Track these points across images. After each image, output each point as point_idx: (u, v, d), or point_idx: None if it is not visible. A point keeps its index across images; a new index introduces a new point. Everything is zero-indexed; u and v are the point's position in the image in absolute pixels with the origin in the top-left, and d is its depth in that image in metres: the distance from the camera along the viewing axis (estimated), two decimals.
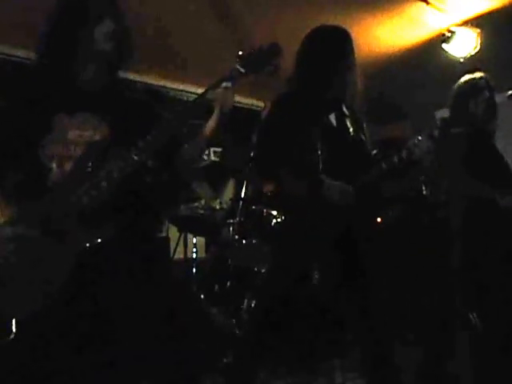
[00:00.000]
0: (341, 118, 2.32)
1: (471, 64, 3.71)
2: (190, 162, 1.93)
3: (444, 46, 4.10)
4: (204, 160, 4.65)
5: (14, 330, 1.51)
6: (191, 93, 4.83)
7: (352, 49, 2.29)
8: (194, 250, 3.77)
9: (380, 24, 3.98)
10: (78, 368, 1.60)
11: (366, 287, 2.22)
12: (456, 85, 2.83)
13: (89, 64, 1.74)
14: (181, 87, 4.86)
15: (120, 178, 1.62)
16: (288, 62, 2.34)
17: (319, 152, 2.14)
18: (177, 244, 3.86)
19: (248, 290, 3.17)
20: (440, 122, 2.31)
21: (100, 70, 1.76)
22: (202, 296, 3.27)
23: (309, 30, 2.36)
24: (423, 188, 2.73)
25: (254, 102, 5.60)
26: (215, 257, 3.62)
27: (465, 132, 2.29)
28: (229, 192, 4.75)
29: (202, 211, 3.68)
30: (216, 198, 4.13)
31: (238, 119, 5.30)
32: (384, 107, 4.03)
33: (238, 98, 5.38)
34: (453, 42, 4.05)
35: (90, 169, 1.64)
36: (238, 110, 5.65)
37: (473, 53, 4.03)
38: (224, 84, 1.72)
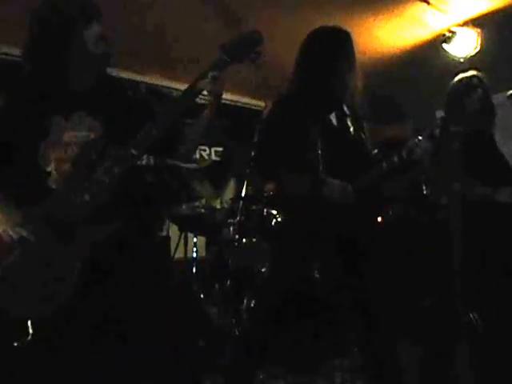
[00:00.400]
0: (341, 117, 2.33)
1: (472, 64, 3.72)
2: (190, 147, 1.95)
3: (444, 46, 4.10)
4: (206, 160, 4.66)
5: (30, 331, 1.53)
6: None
7: (352, 49, 2.30)
8: (195, 249, 3.77)
9: (381, 24, 3.98)
10: (80, 366, 1.61)
11: (366, 287, 2.22)
12: (450, 84, 2.83)
13: (79, 66, 1.75)
14: (183, 87, 4.85)
15: (120, 173, 1.64)
16: (288, 62, 2.35)
17: (319, 151, 2.15)
18: (177, 243, 3.86)
19: (248, 290, 3.17)
20: (440, 121, 2.31)
21: (90, 70, 1.78)
22: (202, 295, 3.27)
23: (309, 31, 2.36)
24: (423, 188, 2.73)
25: (255, 101, 5.60)
26: (215, 256, 3.62)
27: (464, 131, 2.29)
28: (229, 191, 4.75)
29: (202, 210, 3.68)
30: (217, 198, 4.13)
31: (238, 119, 5.33)
32: (385, 107, 4.03)
33: (238, 98, 5.42)
34: (453, 42, 4.05)
35: (89, 166, 1.65)
36: (238, 110, 5.69)
37: (473, 53, 4.03)
38: (211, 74, 1.72)
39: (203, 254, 4.04)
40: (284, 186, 2.35)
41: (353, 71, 2.28)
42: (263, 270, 3.16)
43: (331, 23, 2.37)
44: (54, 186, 1.67)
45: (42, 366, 1.60)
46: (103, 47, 1.74)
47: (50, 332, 1.58)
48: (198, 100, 1.77)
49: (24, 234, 1.59)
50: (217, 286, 3.33)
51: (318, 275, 2.50)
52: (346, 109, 2.35)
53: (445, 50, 4.11)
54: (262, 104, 5.61)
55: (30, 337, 1.53)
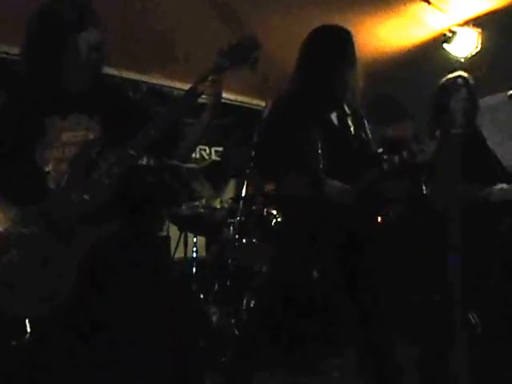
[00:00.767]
0: (342, 117, 2.32)
1: (472, 64, 3.72)
2: (189, 148, 1.96)
3: (445, 45, 4.09)
4: (206, 159, 4.66)
5: (28, 329, 1.53)
6: None
7: (353, 48, 2.29)
8: (195, 249, 3.76)
9: (381, 24, 3.97)
10: (79, 365, 1.61)
11: (365, 287, 2.22)
12: (438, 85, 2.83)
13: (73, 69, 1.75)
14: (185, 86, 4.85)
15: (119, 174, 1.65)
16: (288, 61, 2.35)
17: (320, 151, 2.14)
18: (177, 243, 3.86)
19: (248, 290, 3.17)
20: (442, 122, 2.31)
21: (84, 73, 1.78)
22: (202, 295, 3.27)
23: (309, 30, 2.36)
24: (423, 188, 2.73)
25: (255, 101, 5.60)
26: (215, 256, 3.62)
27: (464, 133, 2.28)
28: (229, 191, 4.74)
29: (202, 210, 3.68)
30: (216, 198, 4.12)
31: (238, 118, 5.32)
32: (385, 107, 4.02)
33: (238, 98, 5.41)
34: (454, 41, 4.05)
35: (88, 166, 1.65)
36: (238, 109, 5.68)
37: (474, 53, 4.03)
38: (210, 77, 1.76)
39: (203, 253, 4.04)
40: (284, 186, 2.35)
41: (354, 70, 2.27)
42: (263, 270, 3.16)
43: (331, 22, 2.36)
44: (52, 186, 1.67)
45: (40, 365, 1.60)
46: (96, 55, 1.75)
47: (48, 331, 1.58)
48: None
49: (23, 233, 1.59)
50: (216, 285, 3.33)
51: (317, 275, 2.50)
52: (346, 108, 2.34)
53: (445, 50, 4.10)
54: (262, 103, 5.60)
55: (27, 335, 1.53)
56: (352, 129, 2.32)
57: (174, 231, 3.94)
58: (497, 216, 2.64)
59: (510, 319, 2.51)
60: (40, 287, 1.58)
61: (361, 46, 2.34)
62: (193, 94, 1.76)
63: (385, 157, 2.23)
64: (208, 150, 5.29)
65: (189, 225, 3.70)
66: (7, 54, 3.93)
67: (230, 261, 3.33)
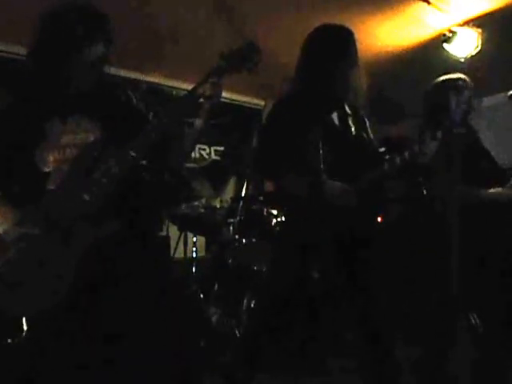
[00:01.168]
0: (343, 117, 2.32)
1: (472, 64, 3.72)
2: (181, 154, 1.96)
3: (445, 45, 4.09)
4: (205, 159, 4.65)
5: (25, 328, 1.54)
6: None
7: (355, 48, 2.28)
8: (194, 249, 3.76)
9: (381, 24, 3.98)
10: (77, 366, 1.61)
11: (366, 287, 2.22)
12: (433, 85, 2.82)
13: (77, 75, 1.76)
14: (184, 86, 4.86)
15: (119, 175, 1.65)
16: (288, 60, 2.34)
17: (321, 152, 2.14)
18: (177, 243, 3.86)
19: (248, 290, 3.17)
20: (442, 123, 2.31)
21: (88, 77, 1.78)
22: (202, 295, 3.26)
23: (309, 30, 2.35)
24: (423, 189, 2.73)
25: (255, 100, 5.60)
26: (215, 256, 3.61)
27: (467, 133, 2.29)
28: (229, 191, 4.74)
29: (202, 210, 3.68)
30: (216, 197, 4.12)
31: (238, 118, 5.32)
32: (386, 107, 4.02)
33: (238, 97, 5.41)
34: (454, 42, 4.04)
35: (87, 168, 1.66)
36: (238, 109, 5.69)
37: (474, 53, 4.03)
38: (210, 80, 1.77)
39: (203, 253, 4.04)
40: (284, 186, 2.35)
41: (356, 70, 2.26)
42: (263, 269, 3.16)
43: (332, 22, 2.36)
44: (52, 188, 1.67)
45: (36, 365, 1.60)
46: (100, 66, 1.77)
47: (45, 331, 1.58)
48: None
49: (22, 233, 1.59)
50: (216, 286, 3.32)
51: (317, 275, 2.50)
52: (347, 108, 2.34)
53: (445, 50, 4.10)
54: (262, 103, 5.61)
55: (23, 334, 1.53)
56: (353, 129, 2.31)
57: (173, 231, 3.94)
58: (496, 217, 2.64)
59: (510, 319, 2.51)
60: (38, 287, 1.57)
61: (361, 45, 2.33)
62: (193, 96, 1.77)
63: (386, 157, 2.23)
64: (208, 150, 5.29)
65: (188, 225, 3.69)
66: (6, 52, 3.94)
67: (229, 261, 3.33)
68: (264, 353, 2.33)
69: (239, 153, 4.28)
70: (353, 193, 2.17)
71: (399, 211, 3.14)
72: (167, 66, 4.58)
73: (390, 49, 4.36)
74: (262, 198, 3.66)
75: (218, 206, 3.84)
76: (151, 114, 1.90)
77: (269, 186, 3.77)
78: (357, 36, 2.32)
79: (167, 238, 3.97)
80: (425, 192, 2.66)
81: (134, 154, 1.66)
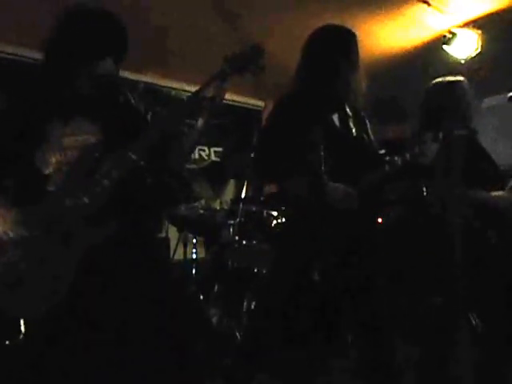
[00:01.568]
0: (344, 118, 2.31)
1: (472, 65, 3.72)
2: (181, 155, 1.95)
3: (445, 47, 4.09)
4: (205, 160, 4.65)
5: (22, 330, 1.53)
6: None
7: (357, 49, 2.28)
8: (194, 250, 3.76)
9: (381, 25, 3.97)
10: (78, 368, 1.61)
11: (366, 289, 2.22)
12: (433, 86, 2.81)
13: (85, 83, 1.76)
14: (181, 86, 4.86)
15: (120, 177, 1.65)
16: (288, 62, 2.33)
17: (322, 153, 2.13)
18: (177, 244, 3.85)
19: (248, 291, 3.16)
20: (444, 124, 2.30)
21: (94, 85, 1.78)
22: (202, 297, 3.26)
23: (309, 31, 2.35)
24: (423, 190, 2.73)
25: (255, 101, 5.59)
26: (215, 257, 3.61)
27: (468, 135, 2.29)
28: (229, 192, 4.74)
29: (202, 212, 3.67)
30: (216, 199, 4.12)
31: (237, 119, 5.32)
32: (385, 108, 4.02)
33: (238, 98, 5.41)
34: (454, 43, 4.04)
35: (88, 170, 1.65)
36: (237, 110, 5.69)
37: (474, 54, 4.03)
38: (214, 83, 1.78)
39: (203, 255, 4.03)
40: (285, 187, 2.34)
41: (356, 72, 2.26)
42: (263, 271, 3.16)
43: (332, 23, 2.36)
44: (52, 189, 1.67)
45: (35, 366, 1.59)
46: (109, 79, 1.77)
47: (43, 332, 1.58)
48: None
49: (22, 234, 1.59)
50: (216, 287, 3.32)
51: (318, 277, 2.49)
52: (348, 110, 2.34)
53: (445, 52, 4.10)
54: (262, 104, 5.60)
55: (21, 335, 1.53)
56: (354, 130, 2.31)
57: (173, 232, 3.94)
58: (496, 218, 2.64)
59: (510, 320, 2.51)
60: (38, 288, 1.57)
61: (361, 47, 2.33)
62: (195, 98, 1.77)
63: (387, 158, 2.22)
64: (207, 151, 5.28)
65: (188, 226, 3.69)
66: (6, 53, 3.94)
67: (229, 262, 3.32)
68: (264, 354, 2.33)
69: (239, 154, 4.28)
70: (354, 195, 2.16)
71: (399, 213, 3.13)
72: (165, 66, 4.58)
73: (389, 50, 4.36)
74: (262, 199, 3.65)
75: (218, 208, 3.84)
76: (150, 114, 1.90)
77: (268, 188, 3.76)
78: (357, 37, 2.32)
79: (167, 239, 3.97)
80: (425, 193, 2.65)
81: (134, 156, 1.66)
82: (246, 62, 1.79)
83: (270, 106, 2.46)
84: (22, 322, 1.55)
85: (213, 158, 5.29)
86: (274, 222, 3.36)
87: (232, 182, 4.80)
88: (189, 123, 1.85)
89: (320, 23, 2.35)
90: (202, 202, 3.83)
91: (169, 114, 1.75)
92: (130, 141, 1.67)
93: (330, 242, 2.15)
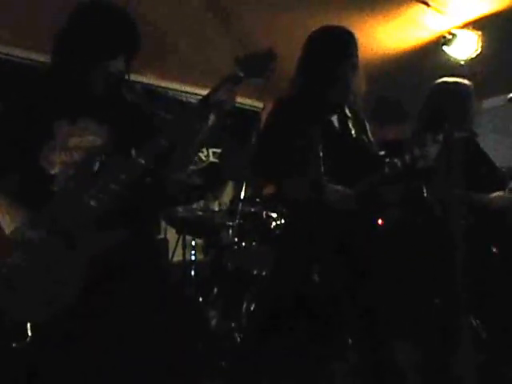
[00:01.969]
0: (343, 120, 2.30)
1: (472, 67, 3.71)
2: (185, 157, 1.94)
3: (445, 48, 4.09)
4: (203, 161, 4.63)
5: (29, 333, 1.52)
6: (190, 93, 4.81)
7: (356, 50, 2.27)
8: (193, 252, 3.74)
9: (380, 26, 3.97)
10: (77, 369, 1.60)
11: (367, 290, 2.21)
12: (435, 87, 2.80)
13: (95, 81, 1.73)
14: (179, 87, 4.85)
15: (127, 181, 1.62)
16: (288, 63, 2.32)
17: (321, 154, 2.12)
18: (175, 246, 3.84)
19: (247, 293, 3.15)
20: (445, 126, 2.30)
21: (104, 84, 1.76)
22: (201, 299, 3.25)
23: (308, 32, 2.34)
24: (423, 191, 2.72)
25: (254, 102, 5.59)
26: (214, 259, 3.60)
27: (468, 137, 2.29)
28: (228, 194, 4.73)
29: (200, 213, 3.66)
30: (215, 200, 4.11)
31: (237, 120, 5.30)
32: (385, 109, 4.02)
33: (237, 99, 5.39)
34: (454, 44, 4.03)
35: (95, 172, 1.64)
36: (237, 111, 5.66)
37: (474, 55, 4.02)
38: (224, 87, 1.73)
39: (202, 256, 4.02)
40: (284, 189, 2.33)
41: (356, 72, 2.25)
42: (263, 273, 3.15)
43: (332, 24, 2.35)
44: (57, 190, 1.65)
45: (40, 369, 1.59)
46: (119, 78, 1.74)
47: (48, 335, 1.56)
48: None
49: (31, 237, 1.57)
50: (216, 289, 3.31)
51: (317, 279, 2.48)
52: (347, 111, 2.33)
53: (445, 53, 4.09)
54: (260, 105, 5.60)
55: (28, 339, 1.52)
56: (353, 132, 2.30)
57: (171, 234, 3.92)
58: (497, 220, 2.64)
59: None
60: (44, 291, 1.56)
61: (360, 47, 2.32)
62: (205, 103, 1.72)
63: (387, 160, 2.22)
64: (205, 152, 5.27)
65: (187, 227, 3.68)
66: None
67: (229, 264, 3.31)
68: (264, 356, 2.32)
69: (237, 155, 4.27)
70: (353, 196, 2.15)
71: (399, 215, 3.13)
72: (163, 66, 4.57)
73: (389, 51, 4.35)
74: (260, 200, 3.64)
75: (217, 209, 3.83)
76: (156, 116, 1.87)
77: (267, 189, 3.75)
78: (356, 38, 2.31)
79: (165, 240, 3.96)
80: (425, 195, 2.65)
81: (143, 160, 1.63)
82: (260, 67, 1.74)
83: (269, 107, 2.45)
84: (28, 325, 1.53)
85: (211, 159, 5.27)
86: (274, 223, 3.36)
87: (231, 183, 4.79)
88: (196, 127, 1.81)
89: (319, 24, 2.34)
90: (201, 203, 3.82)
91: (178, 120, 1.72)
92: (136, 144, 1.65)
93: (330, 243, 2.15)
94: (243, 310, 3.09)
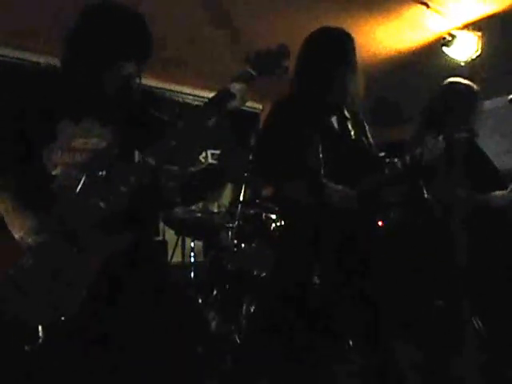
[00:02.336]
0: (342, 121, 2.30)
1: (472, 68, 3.71)
2: (188, 159, 1.92)
3: (445, 49, 4.09)
4: (202, 162, 4.62)
5: (41, 335, 1.51)
6: (189, 94, 4.81)
7: (354, 51, 2.27)
8: (192, 253, 3.73)
9: (380, 27, 3.97)
10: (82, 371, 1.60)
11: (367, 291, 2.20)
12: (445, 87, 2.80)
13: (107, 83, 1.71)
14: (178, 88, 4.84)
15: (137, 182, 1.60)
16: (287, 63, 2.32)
17: (321, 155, 2.12)
18: (174, 248, 3.83)
19: (247, 295, 3.14)
20: (445, 127, 2.30)
21: (114, 87, 1.73)
22: (200, 300, 3.24)
23: (306, 33, 2.34)
24: (424, 192, 2.72)
25: (253, 104, 5.58)
26: (213, 261, 3.59)
27: (469, 137, 2.29)
28: (227, 195, 4.73)
29: (199, 214, 3.65)
30: (214, 201, 4.10)
31: (236, 121, 5.28)
32: (385, 110, 4.02)
33: None
34: (453, 45, 4.04)
35: (102, 175, 1.62)
36: (235, 112, 5.65)
37: (473, 56, 4.02)
38: (235, 86, 1.69)
39: (201, 258, 4.01)
40: (284, 190, 2.33)
41: (354, 73, 2.25)
42: (262, 274, 3.14)
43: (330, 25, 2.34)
44: (57, 190, 1.63)
45: (49, 372, 1.57)
46: (130, 81, 1.71)
47: (56, 339, 1.55)
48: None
49: (37, 239, 1.56)
50: (215, 291, 3.30)
51: (318, 280, 2.48)
52: (346, 112, 2.33)
53: (445, 54, 4.10)
54: (259, 106, 5.60)
55: (40, 341, 1.51)
56: (352, 133, 2.30)
57: (170, 235, 3.91)
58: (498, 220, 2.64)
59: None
60: (52, 295, 1.55)
61: (360, 49, 2.32)
62: (215, 103, 1.69)
63: (387, 161, 2.21)
64: (204, 153, 5.26)
65: (186, 229, 3.67)
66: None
67: (228, 266, 3.30)
68: (265, 358, 2.31)
69: (237, 156, 4.26)
70: (354, 196, 2.15)
71: (400, 215, 3.13)
72: (161, 67, 4.56)
73: (389, 52, 4.36)
74: (260, 202, 3.63)
75: (216, 211, 3.82)
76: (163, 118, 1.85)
77: (267, 190, 3.74)
78: (356, 39, 2.30)
79: (164, 242, 3.95)
80: (426, 195, 2.65)
81: (153, 162, 1.61)
82: (272, 64, 1.70)
83: (268, 109, 2.45)
84: (40, 328, 1.52)
85: (210, 160, 5.27)
86: (273, 225, 3.35)
87: (230, 184, 4.79)
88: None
89: (319, 25, 2.34)
90: (200, 204, 3.81)
91: (188, 121, 1.68)
92: (141, 147, 1.63)
93: (330, 244, 2.14)
94: (243, 311, 3.08)
